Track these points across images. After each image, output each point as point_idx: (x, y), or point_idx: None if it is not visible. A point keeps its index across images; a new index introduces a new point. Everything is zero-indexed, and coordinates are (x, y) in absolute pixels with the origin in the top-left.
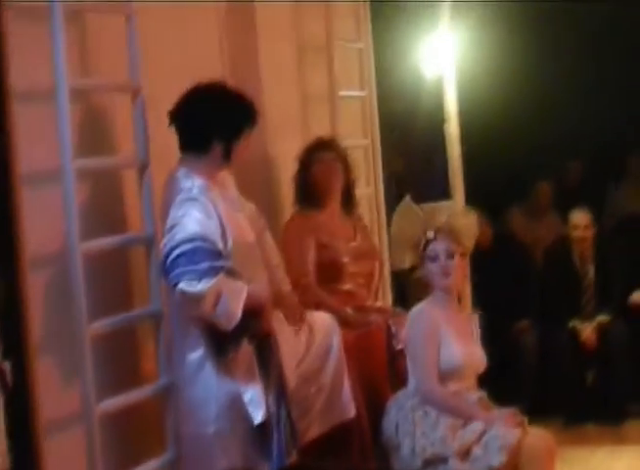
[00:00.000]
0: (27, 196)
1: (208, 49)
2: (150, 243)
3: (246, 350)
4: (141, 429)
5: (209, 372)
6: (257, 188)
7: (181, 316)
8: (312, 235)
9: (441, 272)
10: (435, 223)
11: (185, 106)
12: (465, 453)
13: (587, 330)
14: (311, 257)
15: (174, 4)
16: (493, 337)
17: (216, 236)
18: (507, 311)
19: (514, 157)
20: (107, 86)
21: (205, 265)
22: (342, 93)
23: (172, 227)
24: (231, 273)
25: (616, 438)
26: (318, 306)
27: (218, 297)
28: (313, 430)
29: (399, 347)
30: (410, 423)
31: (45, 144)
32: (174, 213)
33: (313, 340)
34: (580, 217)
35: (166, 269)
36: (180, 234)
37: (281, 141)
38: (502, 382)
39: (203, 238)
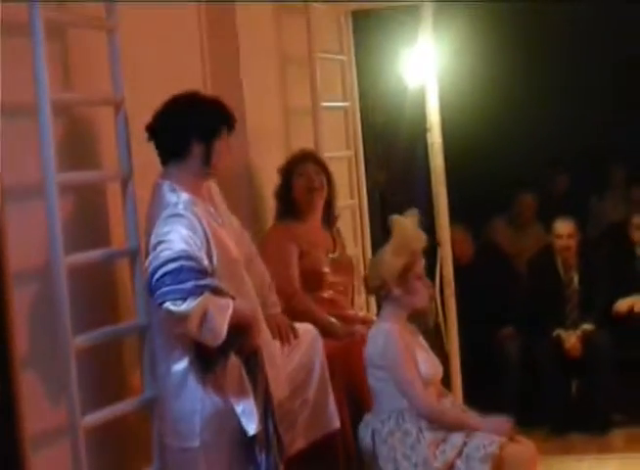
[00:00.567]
0: (11, 210)
1: (190, 62)
2: (134, 256)
3: (234, 363)
4: (126, 442)
5: (194, 385)
6: (240, 200)
7: (165, 330)
8: (294, 243)
9: (426, 292)
10: (423, 240)
11: (160, 116)
12: (449, 468)
13: (571, 339)
14: (295, 264)
15: (156, 17)
16: (477, 347)
17: (202, 253)
18: (491, 322)
19: (497, 167)
20: (89, 100)
21: (190, 284)
22: (325, 104)
23: (158, 244)
24: (217, 291)
25: (601, 447)
26: (304, 315)
27: (204, 315)
28: (298, 443)
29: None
30: (390, 448)
31: (28, 158)
32: (159, 230)
33: (298, 352)
34: (564, 226)
35: (152, 288)
36: (165, 252)
37: (263, 153)
38: (485, 391)
39: (188, 256)
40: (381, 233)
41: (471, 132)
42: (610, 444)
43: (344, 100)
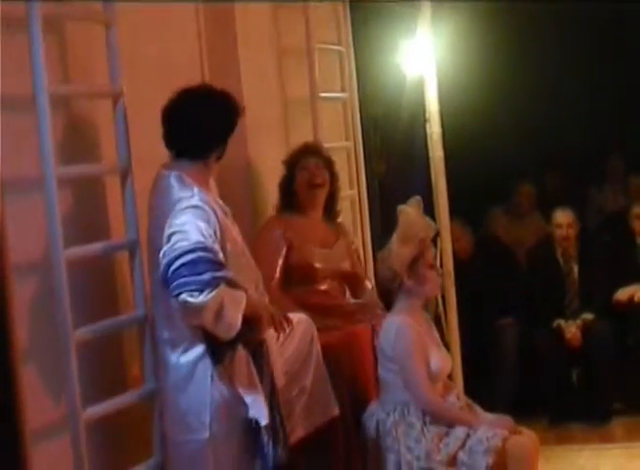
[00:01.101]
0: (10, 203)
1: (189, 54)
2: (133, 249)
3: (242, 355)
4: (127, 435)
5: (202, 377)
6: (239, 192)
7: (175, 322)
8: (284, 235)
9: (438, 280)
10: (431, 227)
11: (179, 111)
12: (452, 461)
13: (572, 328)
14: (279, 254)
15: (154, 10)
16: (477, 337)
17: (217, 245)
18: (491, 313)
19: (496, 157)
20: (87, 93)
21: (207, 276)
22: (324, 95)
23: (173, 234)
24: (231, 283)
25: (601, 436)
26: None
27: (220, 307)
28: (298, 431)
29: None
30: (393, 440)
31: (27, 152)
32: (175, 220)
33: (292, 341)
34: (563, 216)
35: (168, 279)
36: (182, 243)
37: (262, 144)
38: (485, 381)
39: (205, 248)
40: (380, 223)
41: (469, 122)
42: (610, 433)
43: (343, 91)
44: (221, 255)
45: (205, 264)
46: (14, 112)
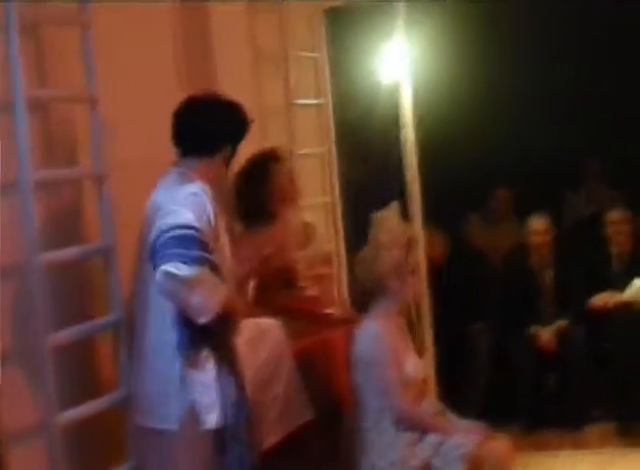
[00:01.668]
0: None
1: (164, 59)
2: (109, 254)
3: (207, 354)
4: (103, 439)
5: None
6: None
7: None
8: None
9: (417, 285)
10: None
11: (188, 109)
12: (425, 467)
13: (546, 334)
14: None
15: (129, 15)
16: (451, 342)
17: (209, 235)
18: (464, 318)
19: (471, 163)
20: (64, 97)
21: (195, 253)
22: (298, 101)
23: (166, 214)
24: (215, 271)
25: (576, 442)
26: (279, 311)
27: (200, 287)
28: (271, 438)
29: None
30: (367, 446)
31: (3, 155)
32: (170, 207)
33: (264, 348)
34: (539, 223)
35: (155, 250)
36: (173, 219)
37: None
38: (459, 387)
39: (196, 228)
40: (353, 229)
41: (444, 128)
42: (585, 439)
43: (318, 97)
44: (210, 241)
45: (195, 242)
46: None
